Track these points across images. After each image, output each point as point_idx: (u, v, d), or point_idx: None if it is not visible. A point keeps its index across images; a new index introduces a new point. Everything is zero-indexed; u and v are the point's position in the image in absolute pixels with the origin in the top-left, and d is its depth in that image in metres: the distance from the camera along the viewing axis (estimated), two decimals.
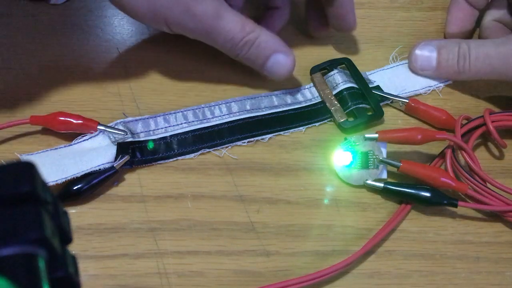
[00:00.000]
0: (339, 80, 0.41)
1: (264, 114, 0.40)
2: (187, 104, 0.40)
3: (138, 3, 0.36)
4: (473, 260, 0.36)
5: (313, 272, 0.33)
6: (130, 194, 0.36)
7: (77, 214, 0.35)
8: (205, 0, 0.36)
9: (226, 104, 0.40)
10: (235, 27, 0.37)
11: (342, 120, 0.40)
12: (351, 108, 0.40)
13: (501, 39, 0.40)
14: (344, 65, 0.42)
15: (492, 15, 0.44)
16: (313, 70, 0.42)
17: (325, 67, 0.42)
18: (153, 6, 0.36)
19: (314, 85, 0.41)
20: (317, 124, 0.40)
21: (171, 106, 0.40)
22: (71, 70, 0.41)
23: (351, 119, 0.40)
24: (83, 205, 0.35)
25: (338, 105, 0.40)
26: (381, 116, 0.40)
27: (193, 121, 0.39)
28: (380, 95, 0.41)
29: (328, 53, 0.44)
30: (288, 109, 0.40)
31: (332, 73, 0.41)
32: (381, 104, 0.41)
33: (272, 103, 0.40)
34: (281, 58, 0.39)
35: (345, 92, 0.40)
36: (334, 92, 0.40)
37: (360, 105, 0.40)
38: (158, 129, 0.38)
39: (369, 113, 0.40)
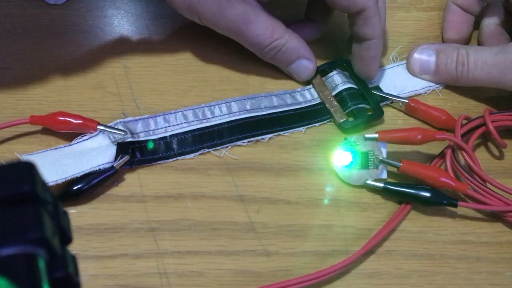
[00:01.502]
0: (338, 81, 0.41)
1: (264, 114, 0.40)
2: (187, 104, 0.40)
3: None
4: (473, 260, 0.36)
5: (313, 272, 0.33)
6: (130, 194, 0.36)
7: (77, 214, 0.35)
8: (238, 4, 0.37)
9: (226, 104, 0.40)
10: (264, 32, 0.39)
11: (342, 121, 0.40)
12: (351, 108, 0.40)
13: (500, 48, 0.40)
14: (343, 66, 0.42)
15: (490, 19, 0.44)
16: None
17: (324, 69, 0.42)
18: (189, 2, 0.37)
19: (313, 87, 0.41)
20: (317, 124, 0.40)
21: (171, 106, 0.40)
22: (71, 70, 0.41)
23: (351, 119, 0.40)
24: (83, 205, 0.35)
25: (338, 105, 0.40)
26: (381, 116, 0.40)
27: (193, 121, 0.39)
28: (380, 95, 0.41)
29: (328, 54, 0.44)
30: (288, 109, 0.40)
31: (331, 74, 0.41)
32: (381, 104, 0.41)
33: (272, 103, 0.40)
34: (305, 63, 0.41)
35: (344, 93, 0.40)
36: (333, 93, 0.40)
37: (360, 105, 0.40)
38: (158, 129, 0.38)
39: (369, 113, 0.40)
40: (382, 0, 0.40)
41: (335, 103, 0.40)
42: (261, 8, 0.39)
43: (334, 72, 0.41)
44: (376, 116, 0.40)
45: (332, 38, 0.44)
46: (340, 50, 0.43)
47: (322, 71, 0.42)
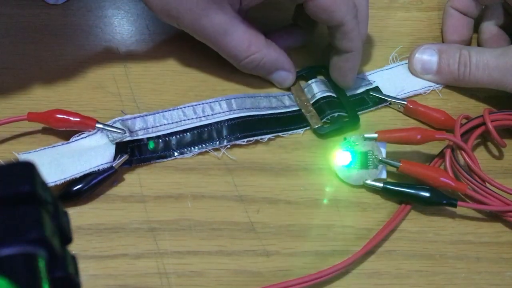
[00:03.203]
0: (317, 90, 0.40)
1: (263, 114, 0.40)
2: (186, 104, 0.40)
3: (155, 2, 0.37)
4: (473, 260, 0.36)
5: (313, 272, 0.33)
6: (130, 194, 0.36)
7: (77, 214, 0.35)
8: (216, 14, 0.37)
9: (227, 101, 0.39)
10: (240, 45, 0.38)
11: (317, 126, 0.39)
12: (327, 117, 0.39)
13: (501, 50, 0.40)
14: (322, 72, 0.42)
15: (489, 21, 0.44)
16: None
17: (302, 74, 0.42)
18: (167, 8, 0.37)
19: (291, 92, 0.41)
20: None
21: (171, 106, 0.39)
22: (71, 70, 0.41)
23: (327, 125, 0.40)
24: (83, 205, 0.35)
25: (314, 111, 0.40)
26: (356, 123, 0.40)
27: (192, 118, 0.39)
28: (377, 97, 0.41)
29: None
30: (286, 111, 0.40)
31: (310, 82, 0.41)
32: (379, 106, 0.41)
33: (270, 103, 0.40)
34: (283, 74, 0.41)
35: (322, 101, 0.40)
36: (311, 101, 0.40)
37: (336, 114, 0.40)
38: (156, 126, 0.38)
39: (345, 120, 0.40)
40: (363, 13, 0.39)
41: (311, 108, 0.40)
42: (239, 19, 0.38)
43: (313, 80, 0.41)
44: (352, 123, 0.40)
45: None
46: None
47: (301, 77, 0.42)
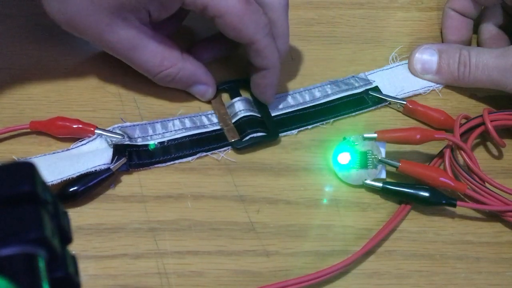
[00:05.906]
0: (239, 108, 0.39)
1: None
2: (187, 104, 0.40)
3: (58, 17, 0.35)
4: (473, 260, 0.36)
5: (313, 272, 0.33)
6: (130, 194, 0.36)
7: (77, 214, 0.35)
8: (121, 29, 0.35)
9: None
10: (152, 60, 0.37)
11: (233, 140, 0.38)
12: (249, 136, 0.38)
13: (500, 51, 0.40)
14: (244, 87, 0.41)
15: (489, 22, 0.44)
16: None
17: (224, 88, 0.41)
18: (71, 23, 0.35)
19: (212, 105, 0.40)
20: (309, 127, 0.40)
21: (171, 105, 0.40)
22: (71, 70, 0.41)
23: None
24: (83, 205, 0.35)
25: (232, 125, 0.39)
26: (275, 139, 0.39)
27: (190, 127, 0.39)
28: (377, 97, 0.41)
29: (325, 54, 0.43)
30: (281, 113, 0.40)
31: (233, 101, 0.40)
32: (379, 106, 0.41)
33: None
34: (201, 88, 0.40)
35: (243, 119, 0.39)
36: (233, 120, 0.39)
37: (256, 135, 0.38)
38: (155, 134, 0.38)
39: (264, 135, 0.39)
40: (281, 28, 0.38)
41: (229, 122, 0.39)
42: (149, 33, 0.37)
43: (237, 98, 0.40)
44: (270, 138, 0.39)
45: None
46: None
47: (222, 90, 0.41)
